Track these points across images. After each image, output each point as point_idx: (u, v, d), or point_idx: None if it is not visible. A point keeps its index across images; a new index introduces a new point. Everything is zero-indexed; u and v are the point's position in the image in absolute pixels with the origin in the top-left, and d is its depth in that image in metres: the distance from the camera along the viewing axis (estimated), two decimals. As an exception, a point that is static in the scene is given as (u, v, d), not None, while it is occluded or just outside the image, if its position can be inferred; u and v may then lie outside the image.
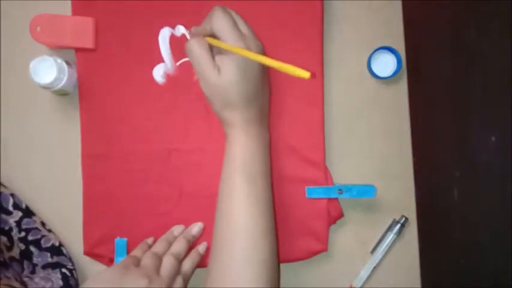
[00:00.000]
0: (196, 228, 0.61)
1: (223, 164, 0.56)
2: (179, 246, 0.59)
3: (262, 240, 0.52)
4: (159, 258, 0.57)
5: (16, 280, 0.56)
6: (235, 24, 0.55)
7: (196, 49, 0.54)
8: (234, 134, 0.55)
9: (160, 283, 0.54)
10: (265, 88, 0.58)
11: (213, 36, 0.55)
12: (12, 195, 0.60)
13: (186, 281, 0.58)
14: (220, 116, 0.56)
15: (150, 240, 0.61)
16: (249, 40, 0.54)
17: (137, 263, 0.56)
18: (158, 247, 0.59)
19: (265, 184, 0.55)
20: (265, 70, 0.57)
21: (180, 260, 0.58)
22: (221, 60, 0.54)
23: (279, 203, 0.62)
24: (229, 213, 0.54)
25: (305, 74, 0.47)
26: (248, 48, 0.53)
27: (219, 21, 0.54)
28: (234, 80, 0.53)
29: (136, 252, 0.58)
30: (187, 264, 0.59)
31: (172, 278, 0.56)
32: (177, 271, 0.57)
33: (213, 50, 0.55)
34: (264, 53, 0.56)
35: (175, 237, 0.61)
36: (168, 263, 0.56)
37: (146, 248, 0.59)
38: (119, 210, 0.62)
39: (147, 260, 0.56)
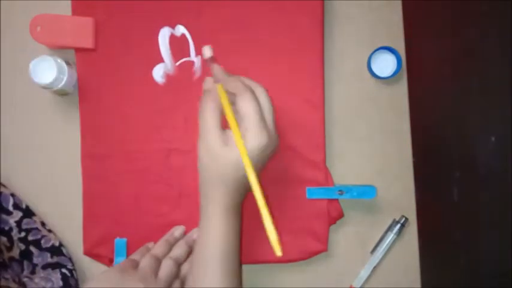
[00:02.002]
0: (196, 234, 0.60)
1: (199, 247, 0.53)
2: (179, 250, 0.59)
3: None
4: (158, 261, 0.57)
5: (14, 281, 0.56)
6: (261, 111, 0.50)
7: (210, 112, 0.50)
8: (216, 216, 0.52)
9: (158, 286, 0.54)
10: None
11: (229, 96, 0.52)
12: (12, 195, 0.60)
13: (184, 284, 0.57)
14: (204, 187, 0.53)
15: (150, 244, 0.61)
16: (271, 133, 0.51)
17: (135, 265, 0.56)
18: (158, 249, 0.58)
19: (238, 275, 0.53)
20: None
21: (179, 264, 0.58)
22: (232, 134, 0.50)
23: (279, 203, 0.62)
24: None
25: (278, 252, 0.47)
26: (267, 142, 0.50)
27: (248, 103, 0.49)
28: (238, 162, 0.49)
29: (135, 255, 0.58)
30: (186, 269, 0.58)
31: (170, 282, 0.56)
32: (176, 275, 0.57)
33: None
34: (278, 144, 0.53)
35: (175, 239, 0.61)
36: (167, 267, 0.56)
37: (146, 252, 0.59)
38: (119, 210, 0.62)
39: (146, 263, 0.56)
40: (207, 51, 0.57)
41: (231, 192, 0.52)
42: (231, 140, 0.50)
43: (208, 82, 0.57)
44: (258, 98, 0.51)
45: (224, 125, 0.51)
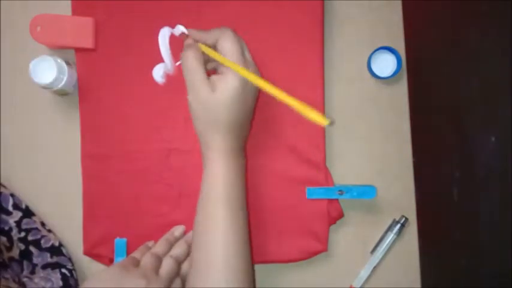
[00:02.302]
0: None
1: (202, 191, 0.55)
2: (180, 249, 0.59)
3: (242, 276, 0.51)
4: (158, 259, 0.57)
5: (14, 281, 0.56)
6: (242, 49, 0.54)
7: (193, 62, 0.53)
8: (215, 159, 0.54)
9: (159, 284, 0.54)
10: (251, 119, 0.57)
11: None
12: (12, 195, 0.60)
13: (184, 283, 0.58)
14: (202, 136, 0.55)
15: (150, 243, 0.61)
16: (251, 67, 0.54)
17: (136, 263, 0.56)
18: (158, 248, 0.59)
19: (245, 217, 0.54)
20: (256, 101, 0.57)
21: (179, 263, 0.58)
22: (219, 78, 0.52)
23: (279, 203, 0.62)
24: (209, 246, 0.52)
25: (324, 121, 0.46)
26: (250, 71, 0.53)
27: (228, 42, 0.53)
28: (228, 102, 0.52)
29: (136, 254, 0.58)
30: (186, 267, 0.58)
31: (171, 280, 0.56)
32: (176, 273, 0.57)
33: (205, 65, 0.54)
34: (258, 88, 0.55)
35: (175, 238, 0.61)
36: (167, 265, 0.56)
37: (146, 250, 0.59)
38: (119, 210, 0.62)
39: (147, 260, 0.56)
40: (180, 29, 0.58)
41: (227, 135, 0.53)
42: (216, 84, 0.52)
43: (188, 40, 0.57)
44: (240, 38, 0.55)
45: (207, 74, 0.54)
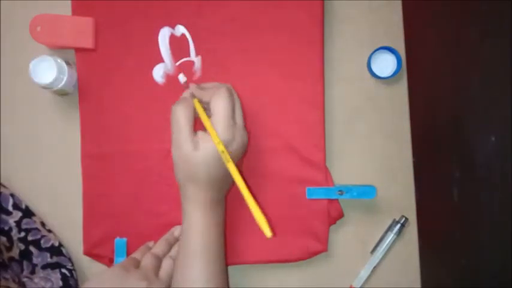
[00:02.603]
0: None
1: (180, 242, 0.55)
2: None
3: None
4: (158, 260, 0.57)
5: (14, 281, 0.56)
6: (232, 111, 0.54)
7: (180, 116, 0.53)
8: (193, 212, 0.54)
9: (159, 285, 0.54)
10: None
11: (206, 106, 0.55)
12: (12, 195, 0.60)
13: None
14: (181, 187, 0.55)
15: (151, 243, 0.61)
16: (237, 131, 0.54)
17: (137, 264, 0.56)
18: (158, 248, 0.59)
19: (222, 268, 0.55)
20: (242, 155, 0.57)
21: None
22: (203, 137, 0.53)
23: (279, 203, 0.62)
24: None
25: (267, 233, 0.48)
26: (232, 138, 0.53)
27: (220, 102, 0.53)
28: (209, 160, 0.52)
29: (136, 254, 0.58)
30: None
31: (170, 281, 0.56)
32: None
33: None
34: (245, 148, 0.56)
35: (175, 238, 0.61)
36: (167, 266, 0.57)
37: (146, 251, 0.59)
38: (119, 210, 0.62)
39: (147, 261, 0.56)
40: (182, 78, 0.60)
41: (206, 190, 0.54)
42: (200, 141, 0.52)
43: (186, 93, 0.58)
44: (233, 98, 0.55)
45: (196, 128, 0.54)
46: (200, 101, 0.56)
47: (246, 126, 0.57)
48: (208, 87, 0.57)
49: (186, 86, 0.60)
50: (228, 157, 0.51)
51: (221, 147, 0.51)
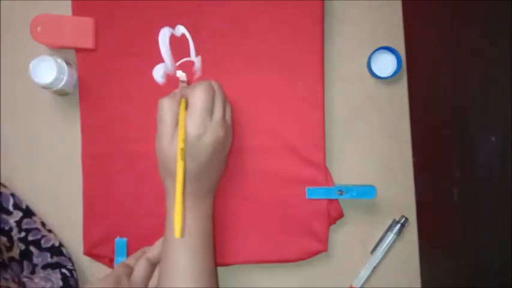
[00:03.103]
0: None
1: (165, 235, 0.56)
2: None
3: None
4: (152, 266, 0.58)
5: (14, 281, 0.56)
6: (210, 104, 0.53)
7: (164, 110, 0.53)
8: (171, 205, 0.54)
9: None
10: (214, 170, 0.56)
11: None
12: (12, 195, 0.60)
13: None
14: (163, 182, 0.56)
15: (147, 249, 0.61)
16: (211, 125, 0.53)
17: (130, 272, 0.57)
18: (154, 252, 0.59)
19: (207, 257, 0.55)
20: (222, 154, 0.56)
21: None
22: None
23: (279, 203, 0.62)
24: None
25: (177, 234, 0.49)
26: (204, 132, 0.52)
27: (196, 95, 0.53)
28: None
29: (130, 260, 0.59)
30: None
31: None
32: None
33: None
34: (221, 142, 0.54)
35: None
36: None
37: (141, 256, 0.59)
38: (119, 210, 0.62)
39: (140, 270, 0.57)
40: (181, 74, 0.59)
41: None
42: (174, 137, 0.53)
43: (176, 90, 0.58)
44: (215, 91, 0.54)
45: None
46: (186, 100, 0.55)
47: (232, 123, 0.57)
48: (192, 85, 0.56)
49: (181, 83, 0.60)
50: (182, 155, 0.51)
51: (181, 144, 0.51)
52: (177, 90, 0.58)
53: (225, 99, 0.56)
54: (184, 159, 0.51)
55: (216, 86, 0.55)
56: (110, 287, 0.53)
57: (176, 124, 0.53)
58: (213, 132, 0.53)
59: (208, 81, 0.55)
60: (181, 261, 0.53)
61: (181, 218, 0.50)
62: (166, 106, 0.54)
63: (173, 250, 0.54)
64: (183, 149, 0.51)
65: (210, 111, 0.54)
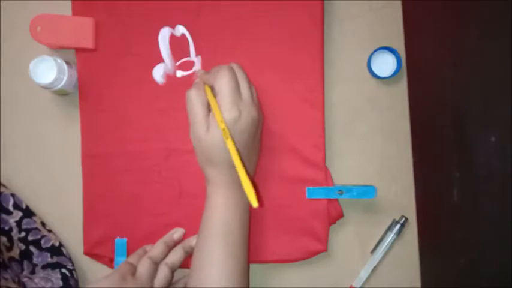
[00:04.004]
0: (195, 240, 0.59)
1: (202, 225, 0.56)
2: (176, 257, 0.59)
3: None
4: (155, 265, 0.58)
5: (14, 281, 0.56)
6: (237, 87, 0.54)
7: (193, 100, 0.54)
8: (215, 193, 0.55)
9: None
10: (254, 151, 0.57)
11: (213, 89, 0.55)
12: (12, 195, 0.60)
13: None
14: (203, 171, 0.56)
15: (148, 247, 0.61)
16: (244, 106, 0.53)
17: (133, 270, 0.56)
18: (156, 251, 0.59)
19: (243, 253, 0.55)
20: (257, 134, 0.56)
21: (174, 271, 0.59)
22: (212, 118, 0.53)
23: (279, 203, 0.62)
24: (204, 284, 0.53)
25: (254, 203, 0.48)
26: (239, 114, 0.52)
27: (222, 80, 0.53)
28: (218, 141, 0.52)
29: (132, 259, 0.58)
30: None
31: None
32: (170, 282, 0.58)
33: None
34: (256, 122, 0.55)
35: (173, 241, 0.61)
36: (162, 274, 0.57)
37: (143, 254, 0.59)
38: (119, 210, 0.62)
39: (143, 269, 0.56)
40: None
41: (224, 170, 0.54)
42: (210, 123, 0.53)
43: (197, 79, 0.59)
44: (236, 73, 0.55)
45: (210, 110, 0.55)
46: (211, 87, 0.56)
47: (258, 99, 0.57)
48: (213, 71, 0.57)
49: (195, 74, 0.61)
50: (228, 134, 0.51)
51: (222, 125, 0.51)
52: (197, 80, 0.58)
53: (248, 79, 0.56)
54: (230, 136, 0.51)
55: (236, 68, 0.56)
56: (115, 285, 0.53)
57: (208, 112, 0.54)
58: (247, 113, 0.53)
59: (226, 65, 0.55)
60: (218, 257, 0.53)
61: (252, 188, 0.48)
62: (195, 96, 0.54)
63: (211, 244, 0.53)
64: (225, 129, 0.51)
65: (239, 93, 0.54)
